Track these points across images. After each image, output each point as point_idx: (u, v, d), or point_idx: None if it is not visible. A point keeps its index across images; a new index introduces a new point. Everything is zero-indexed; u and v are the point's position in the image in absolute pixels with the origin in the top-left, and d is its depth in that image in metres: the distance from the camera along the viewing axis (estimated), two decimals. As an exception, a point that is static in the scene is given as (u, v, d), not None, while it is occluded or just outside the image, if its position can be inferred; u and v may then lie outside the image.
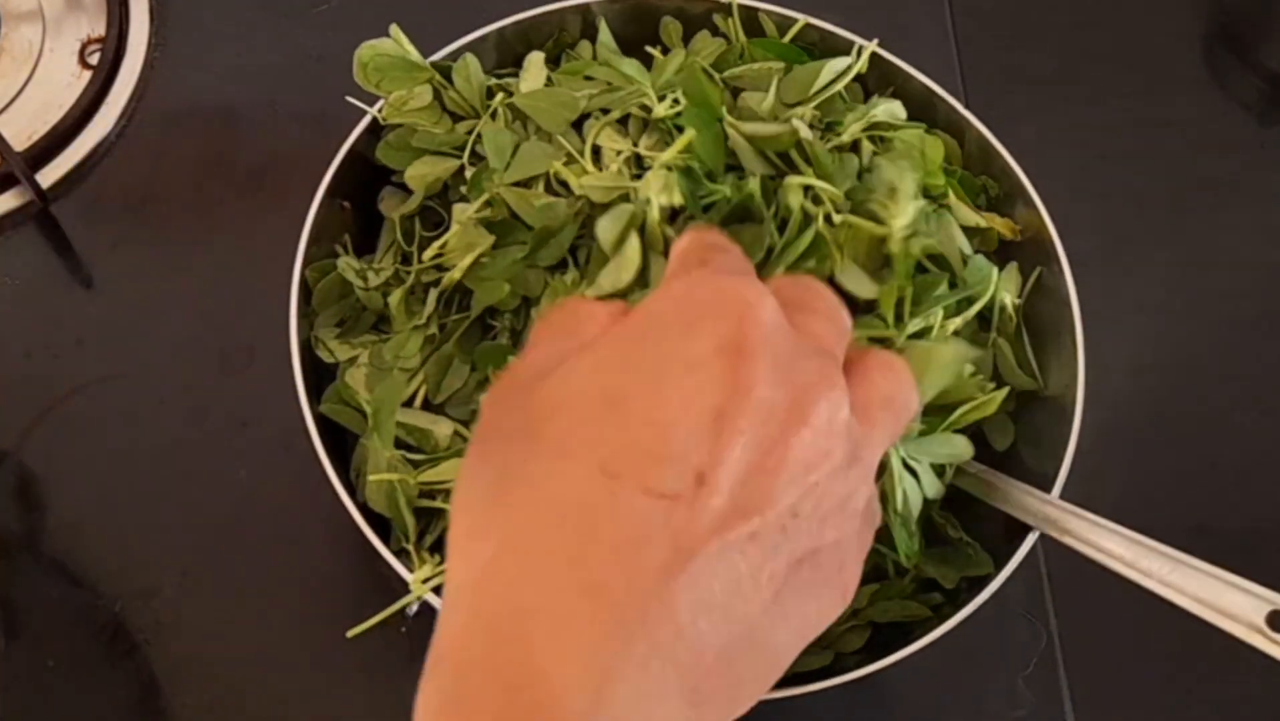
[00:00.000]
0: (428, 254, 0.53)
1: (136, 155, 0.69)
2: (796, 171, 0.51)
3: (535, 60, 0.56)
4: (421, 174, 0.54)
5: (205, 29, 0.73)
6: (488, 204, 0.52)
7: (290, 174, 0.68)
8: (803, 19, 0.57)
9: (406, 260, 0.55)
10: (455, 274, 0.51)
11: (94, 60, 0.71)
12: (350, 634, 0.47)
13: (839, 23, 0.57)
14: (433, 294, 0.52)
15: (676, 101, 0.53)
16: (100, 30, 0.72)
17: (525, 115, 0.54)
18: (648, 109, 0.53)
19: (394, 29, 0.54)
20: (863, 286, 0.46)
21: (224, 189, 0.68)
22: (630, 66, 0.55)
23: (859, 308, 0.48)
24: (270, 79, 0.71)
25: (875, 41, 0.56)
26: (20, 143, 0.67)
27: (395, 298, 0.52)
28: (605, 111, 0.54)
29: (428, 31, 0.55)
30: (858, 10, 0.59)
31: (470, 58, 0.55)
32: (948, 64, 0.75)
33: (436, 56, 0.55)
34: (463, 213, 0.52)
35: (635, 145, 0.52)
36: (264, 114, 0.70)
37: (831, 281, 0.47)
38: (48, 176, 0.67)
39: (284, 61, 0.72)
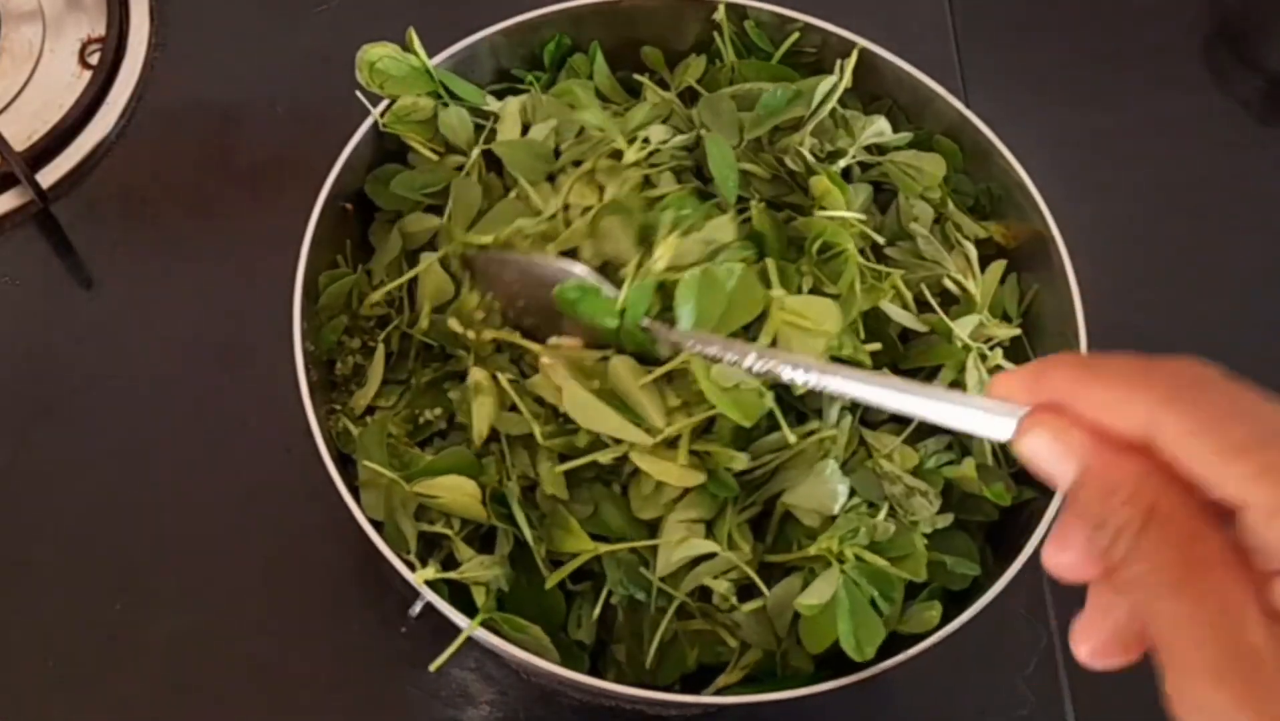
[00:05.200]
0: (378, 295, 0.54)
1: (136, 155, 0.69)
2: (805, 194, 0.52)
3: (511, 110, 0.56)
4: (412, 232, 0.55)
5: (205, 29, 0.73)
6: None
7: (290, 174, 0.68)
8: (801, 18, 0.57)
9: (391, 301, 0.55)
10: (424, 321, 0.52)
11: (94, 60, 0.71)
12: (432, 667, 0.47)
13: (838, 23, 0.57)
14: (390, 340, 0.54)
15: (647, 141, 0.53)
16: (100, 30, 0.72)
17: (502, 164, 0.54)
18: (619, 154, 0.53)
19: (410, 33, 0.54)
20: (906, 319, 0.51)
21: (224, 189, 0.68)
22: (593, 115, 0.54)
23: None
24: (270, 79, 0.71)
25: (856, 52, 0.56)
26: (20, 143, 0.67)
27: (377, 357, 0.53)
28: (578, 164, 0.54)
29: (427, 33, 0.55)
30: (857, 11, 0.59)
31: (456, 110, 0.55)
32: (948, 64, 0.75)
33: (438, 59, 0.55)
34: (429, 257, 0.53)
35: (601, 197, 0.52)
36: (264, 114, 0.70)
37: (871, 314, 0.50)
38: (48, 176, 0.67)
39: (284, 61, 0.72)
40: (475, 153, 0.55)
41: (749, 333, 0.48)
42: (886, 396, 0.34)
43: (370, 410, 0.53)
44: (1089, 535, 0.29)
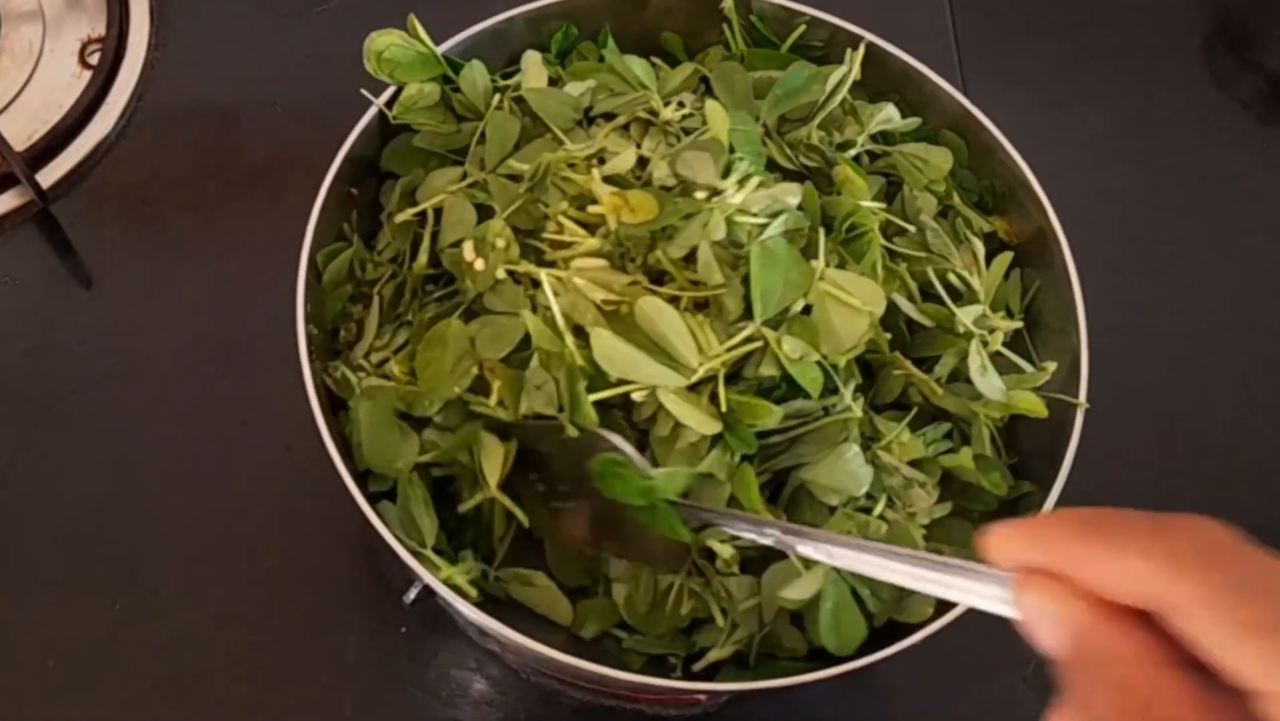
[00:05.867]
0: (400, 217, 0.53)
1: (136, 155, 0.69)
2: (826, 178, 0.52)
3: (533, 60, 0.56)
4: (437, 187, 0.54)
5: (205, 29, 0.73)
6: (478, 185, 0.53)
7: (290, 173, 0.68)
8: (809, 12, 0.57)
9: (399, 259, 0.55)
10: (423, 258, 0.52)
11: (94, 60, 0.71)
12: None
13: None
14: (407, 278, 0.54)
15: (682, 104, 0.54)
16: (100, 30, 0.72)
17: (531, 112, 0.54)
18: (654, 113, 0.53)
19: (412, 20, 0.54)
20: (912, 311, 0.51)
21: (224, 189, 0.68)
22: (639, 67, 0.55)
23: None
24: (270, 79, 0.71)
25: (863, 45, 0.56)
26: (20, 143, 0.67)
27: (373, 306, 0.53)
28: (609, 117, 0.54)
29: (429, 28, 0.55)
30: (856, 9, 0.59)
31: (476, 63, 0.55)
32: (948, 64, 0.75)
33: (442, 49, 0.55)
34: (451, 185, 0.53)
35: (639, 147, 0.52)
36: (264, 114, 0.70)
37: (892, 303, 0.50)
38: (48, 176, 0.67)
39: (284, 61, 0.72)
40: (494, 100, 0.54)
41: (786, 314, 0.47)
42: (886, 569, 0.34)
43: (370, 365, 0.53)
44: None
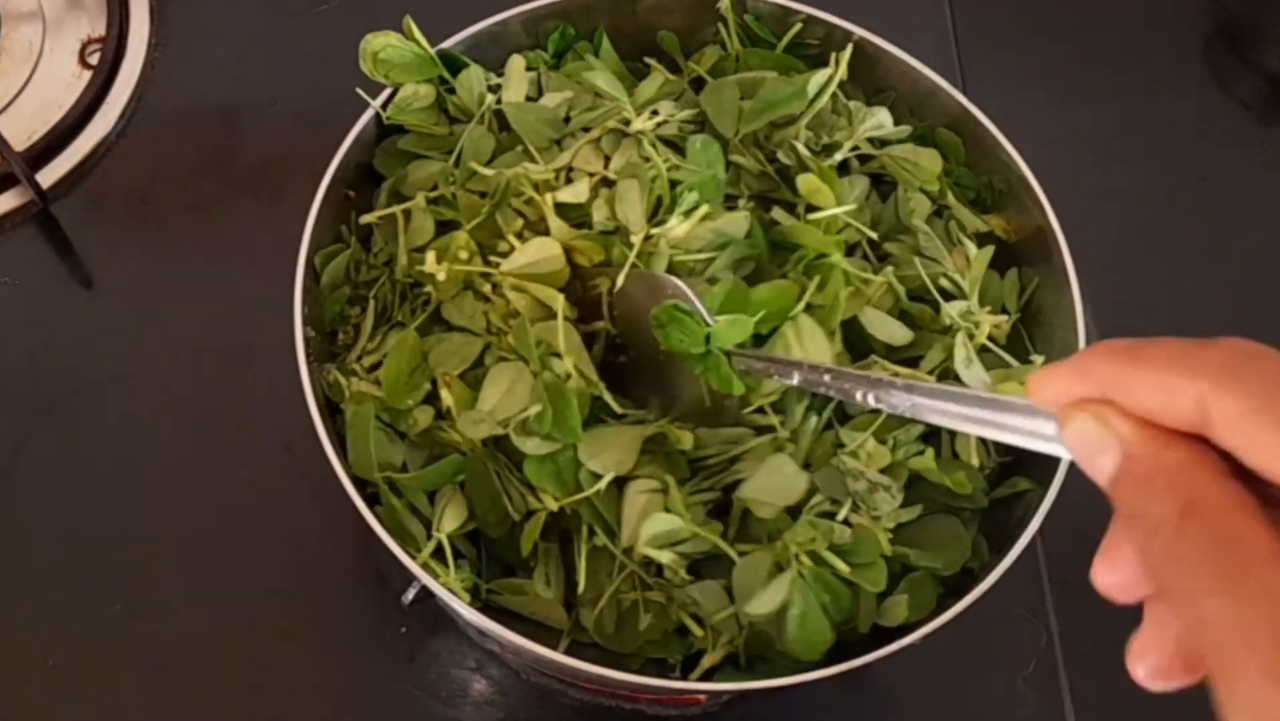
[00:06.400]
0: (366, 217, 0.54)
1: (136, 155, 0.69)
2: (793, 191, 0.52)
3: (516, 67, 0.56)
4: (416, 180, 0.55)
5: (205, 29, 0.73)
6: (445, 199, 0.53)
7: (290, 173, 0.68)
8: (805, 10, 0.57)
9: (391, 262, 0.55)
10: (402, 258, 0.52)
11: (94, 60, 0.71)
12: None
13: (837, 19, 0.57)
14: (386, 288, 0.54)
15: (655, 113, 0.54)
16: (100, 30, 0.72)
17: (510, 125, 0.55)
18: (626, 122, 0.53)
19: (407, 22, 0.54)
20: (892, 333, 0.50)
21: (224, 189, 0.68)
22: (605, 80, 0.55)
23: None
24: (270, 79, 0.71)
25: (850, 45, 0.56)
26: (20, 143, 0.67)
27: (368, 311, 0.53)
28: (587, 129, 0.54)
29: (427, 28, 0.55)
30: (855, 8, 0.59)
31: (474, 69, 0.55)
32: (948, 64, 0.75)
33: (439, 49, 0.55)
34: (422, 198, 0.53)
35: (606, 166, 0.53)
36: (264, 114, 0.70)
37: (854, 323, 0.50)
38: (48, 176, 0.67)
39: (284, 61, 0.72)
40: (488, 101, 0.55)
41: (766, 341, 0.48)
42: (936, 415, 0.34)
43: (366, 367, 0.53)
44: (1131, 538, 0.26)
